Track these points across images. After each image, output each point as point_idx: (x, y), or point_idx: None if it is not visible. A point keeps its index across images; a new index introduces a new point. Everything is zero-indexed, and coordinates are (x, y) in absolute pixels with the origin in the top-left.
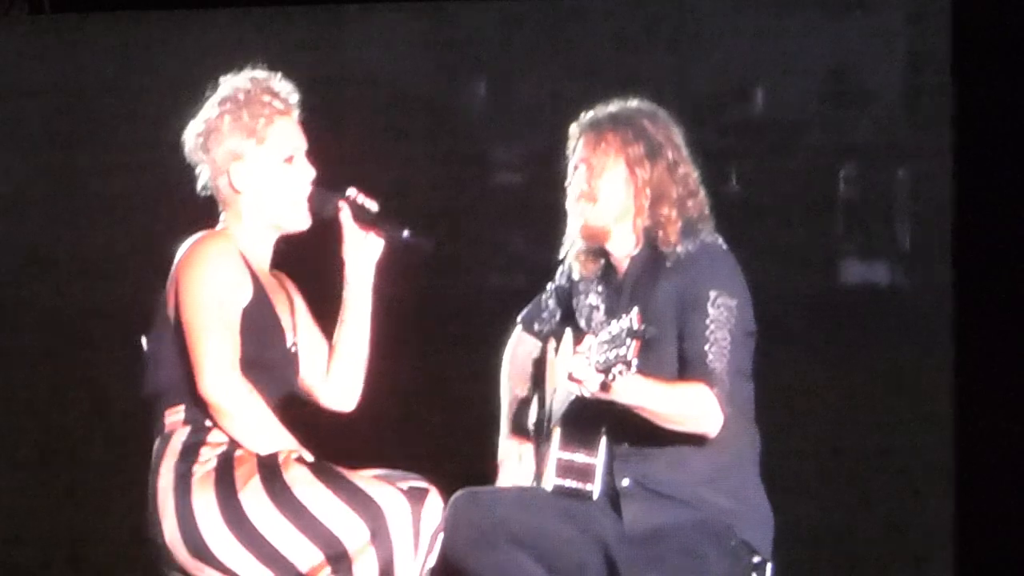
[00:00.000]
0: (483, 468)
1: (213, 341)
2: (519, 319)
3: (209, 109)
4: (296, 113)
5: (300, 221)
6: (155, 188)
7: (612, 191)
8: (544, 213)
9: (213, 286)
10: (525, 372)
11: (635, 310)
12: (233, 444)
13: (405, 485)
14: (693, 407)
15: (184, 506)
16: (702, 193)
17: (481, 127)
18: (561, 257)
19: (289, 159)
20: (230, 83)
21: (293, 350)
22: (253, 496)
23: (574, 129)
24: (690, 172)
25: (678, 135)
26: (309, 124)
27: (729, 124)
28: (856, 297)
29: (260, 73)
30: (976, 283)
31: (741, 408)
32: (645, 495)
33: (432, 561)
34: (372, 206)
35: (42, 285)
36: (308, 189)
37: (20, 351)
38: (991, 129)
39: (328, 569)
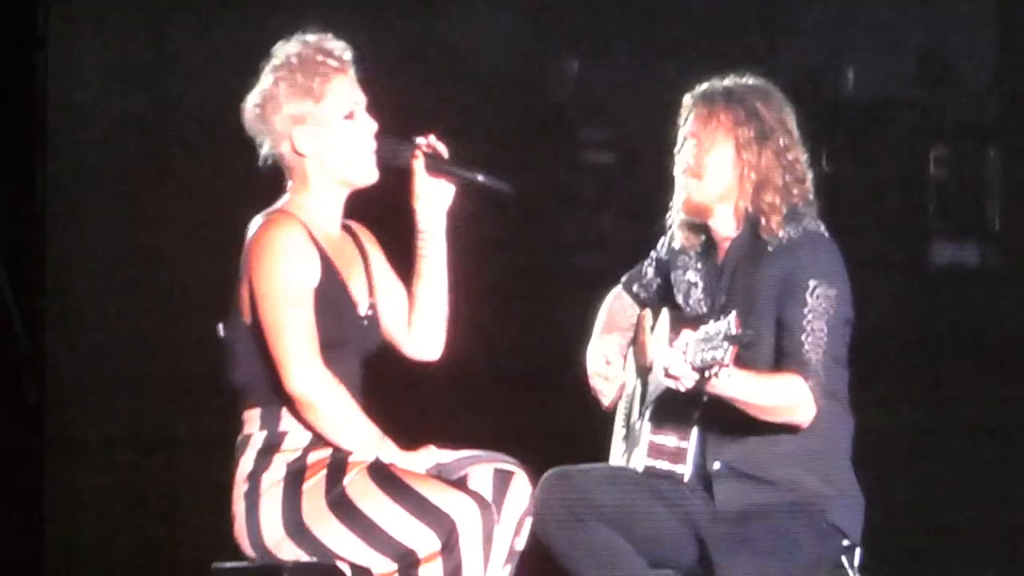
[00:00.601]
0: (565, 447)
1: (294, 335)
2: (622, 279)
3: (264, 79)
4: (353, 70)
5: (368, 174)
6: (224, 166)
7: (718, 170)
8: (634, 193)
9: (285, 277)
10: (618, 324)
11: (733, 314)
12: (305, 452)
13: (491, 468)
14: (788, 399)
15: (251, 514)
16: (809, 179)
17: (571, 106)
18: (666, 223)
19: (350, 115)
20: (282, 50)
21: (370, 313)
22: (318, 514)
23: (688, 100)
24: (798, 158)
25: (791, 117)
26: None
27: (819, 105)
28: (947, 278)
29: (311, 36)
30: None
31: (835, 394)
32: (737, 476)
33: (521, 544)
34: (444, 151)
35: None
36: (372, 143)
37: (103, 341)
38: None
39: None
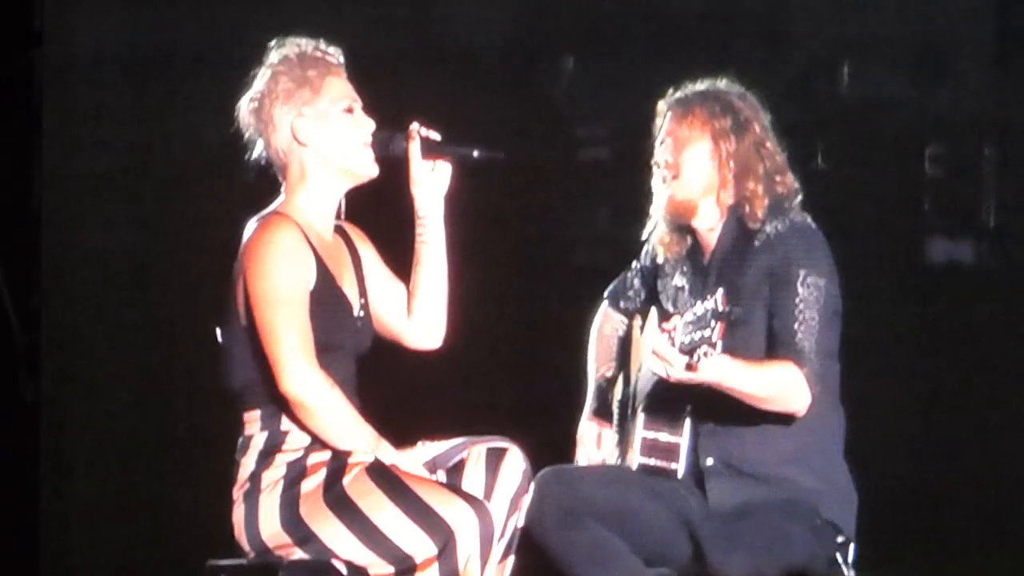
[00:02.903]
0: (559, 435)
1: (288, 337)
2: (605, 295)
3: (261, 77)
4: (344, 73)
5: (368, 167)
6: (221, 167)
7: (697, 164)
8: (630, 191)
9: (280, 279)
10: (610, 349)
11: (720, 291)
12: (306, 452)
13: (483, 448)
14: (782, 386)
15: (250, 511)
16: (790, 172)
17: (566, 105)
18: (644, 237)
19: (349, 109)
20: (277, 51)
21: (362, 314)
22: (316, 511)
23: (662, 105)
24: (776, 151)
25: (765, 118)
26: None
27: (815, 101)
28: (943, 276)
29: (303, 39)
30: None
31: (827, 388)
32: (730, 473)
33: (519, 521)
34: (436, 135)
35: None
36: (369, 138)
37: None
38: None
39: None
